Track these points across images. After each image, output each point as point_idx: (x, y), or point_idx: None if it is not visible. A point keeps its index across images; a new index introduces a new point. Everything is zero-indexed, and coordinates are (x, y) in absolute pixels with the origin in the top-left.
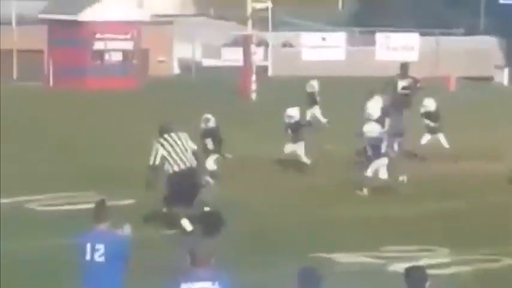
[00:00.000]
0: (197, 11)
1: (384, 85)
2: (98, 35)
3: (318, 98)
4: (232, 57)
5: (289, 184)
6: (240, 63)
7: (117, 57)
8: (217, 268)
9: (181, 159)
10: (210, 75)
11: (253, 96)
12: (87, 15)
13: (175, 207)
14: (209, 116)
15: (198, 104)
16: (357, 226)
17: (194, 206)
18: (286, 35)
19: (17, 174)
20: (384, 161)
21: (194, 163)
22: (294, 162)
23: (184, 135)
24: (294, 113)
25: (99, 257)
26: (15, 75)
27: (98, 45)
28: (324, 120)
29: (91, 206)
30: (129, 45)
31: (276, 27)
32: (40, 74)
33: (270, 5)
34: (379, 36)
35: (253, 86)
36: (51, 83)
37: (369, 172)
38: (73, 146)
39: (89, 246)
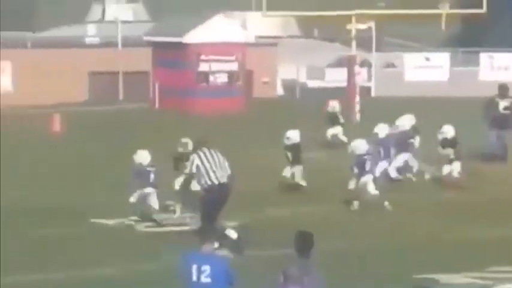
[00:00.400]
0: (301, 32)
1: (485, 105)
2: (202, 57)
3: (340, 118)
4: (336, 77)
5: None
6: (344, 84)
7: (222, 78)
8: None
9: (214, 173)
10: (314, 96)
11: (357, 116)
12: (192, 37)
13: (208, 221)
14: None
15: (302, 125)
16: (461, 247)
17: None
18: (389, 55)
19: (124, 196)
20: (369, 177)
21: (226, 180)
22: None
23: (219, 154)
24: (293, 135)
25: (205, 278)
26: (120, 97)
27: (203, 67)
28: (345, 139)
29: (196, 227)
30: (233, 67)
31: (379, 48)
32: (145, 96)
33: (373, 25)
34: (483, 56)
35: (357, 107)
36: (156, 105)
37: (351, 185)
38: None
39: (195, 267)
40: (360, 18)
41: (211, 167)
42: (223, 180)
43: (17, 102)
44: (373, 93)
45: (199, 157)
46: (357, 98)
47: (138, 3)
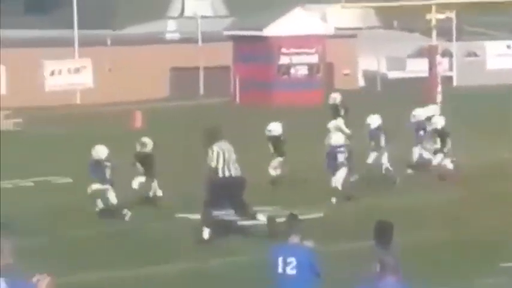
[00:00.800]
0: (380, 23)
1: None
2: (283, 50)
3: (341, 110)
4: (417, 68)
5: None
6: (425, 74)
7: (302, 71)
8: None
9: (228, 166)
10: (395, 86)
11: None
12: (272, 30)
13: (215, 211)
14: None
15: (383, 115)
16: None
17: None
18: (470, 44)
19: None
20: (343, 171)
21: (239, 172)
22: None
23: (230, 146)
24: (274, 127)
25: (291, 270)
26: (201, 92)
27: (284, 60)
28: (348, 131)
29: (280, 220)
30: (314, 59)
31: (460, 37)
32: (226, 90)
33: (453, 14)
34: None
35: (439, 97)
36: (237, 99)
37: (333, 182)
38: (261, 161)
39: (280, 259)
40: (440, 8)
41: (229, 159)
42: (238, 173)
43: (98, 99)
44: (454, 83)
45: (221, 149)
46: (439, 88)
47: None
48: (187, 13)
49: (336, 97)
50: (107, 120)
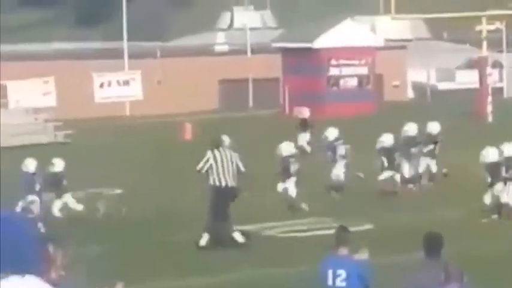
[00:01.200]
0: (430, 34)
1: None
2: (332, 61)
3: (309, 124)
4: (467, 79)
5: None
6: (475, 85)
7: (352, 82)
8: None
9: (223, 175)
10: (445, 98)
11: (489, 118)
12: (321, 42)
13: (215, 220)
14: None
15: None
16: None
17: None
18: None
19: (258, 201)
20: (293, 180)
21: (234, 183)
22: None
23: (235, 155)
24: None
25: (340, 282)
26: (250, 104)
27: (333, 72)
28: (308, 149)
29: (329, 232)
30: (363, 71)
31: (510, 48)
32: (275, 102)
33: (503, 26)
34: None
35: (489, 108)
36: (286, 110)
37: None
38: (311, 173)
39: (330, 272)
40: (490, 19)
41: (222, 167)
42: (231, 183)
43: (147, 111)
44: (505, 94)
45: (214, 156)
46: (489, 99)
47: (266, 10)
48: (236, 25)
49: (303, 111)
50: (157, 131)
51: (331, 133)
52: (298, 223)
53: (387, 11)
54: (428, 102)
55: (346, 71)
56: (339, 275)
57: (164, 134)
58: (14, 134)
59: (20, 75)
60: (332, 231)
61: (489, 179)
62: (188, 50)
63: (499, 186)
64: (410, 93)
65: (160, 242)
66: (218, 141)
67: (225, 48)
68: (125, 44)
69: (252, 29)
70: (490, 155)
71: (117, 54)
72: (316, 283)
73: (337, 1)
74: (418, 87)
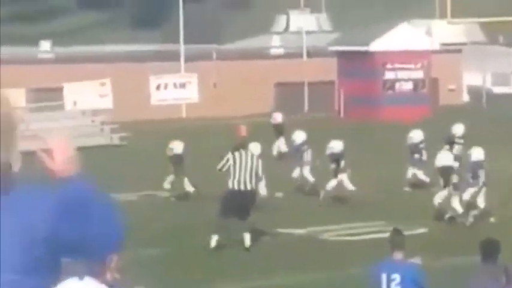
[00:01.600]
0: (486, 38)
1: None
2: (388, 65)
3: (283, 129)
4: None
5: None
6: None
7: (407, 86)
8: None
9: (239, 176)
10: (500, 102)
11: None
12: (377, 45)
13: (226, 221)
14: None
15: (487, 132)
16: None
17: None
18: None
19: (313, 205)
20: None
21: (251, 186)
22: None
23: (256, 158)
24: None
25: (395, 286)
26: (306, 107)
27: (389, 75)
28: (285, 150)
29: (383, 235)
30: (419, 75)
31: None
32: (331, 105)
33: None
34: None
35: None
36: (341, 114)
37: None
38: (374, 178)
39: (384, 276)
40: None
41: (240, 169)
42: (247, 185)
43: (203, 114)
44: None
45: (234, 157)
46: None
47: (322, 13)
48: (292, 28)
49: (276, 117)
50: (212, 134)
51: (299, 136)
52: (353, 226)
53: (443, 15)
54: (483, 106)
55: (401, 74)
56: (394, 279)
57: (220, 136)
58: (70, 136)
59: (77, 77)
60: (385, 235)
61: None
62: (244, 53)
63: None
64: (465, 97)
65: (215, 246)
66: (242, 144)
67: (281, 51)
68: (182, 47)
69: (307, 32)
70: None
71: (173, 56)
72: (370, 287)
73: (393, 5)
74: (473, 91)
